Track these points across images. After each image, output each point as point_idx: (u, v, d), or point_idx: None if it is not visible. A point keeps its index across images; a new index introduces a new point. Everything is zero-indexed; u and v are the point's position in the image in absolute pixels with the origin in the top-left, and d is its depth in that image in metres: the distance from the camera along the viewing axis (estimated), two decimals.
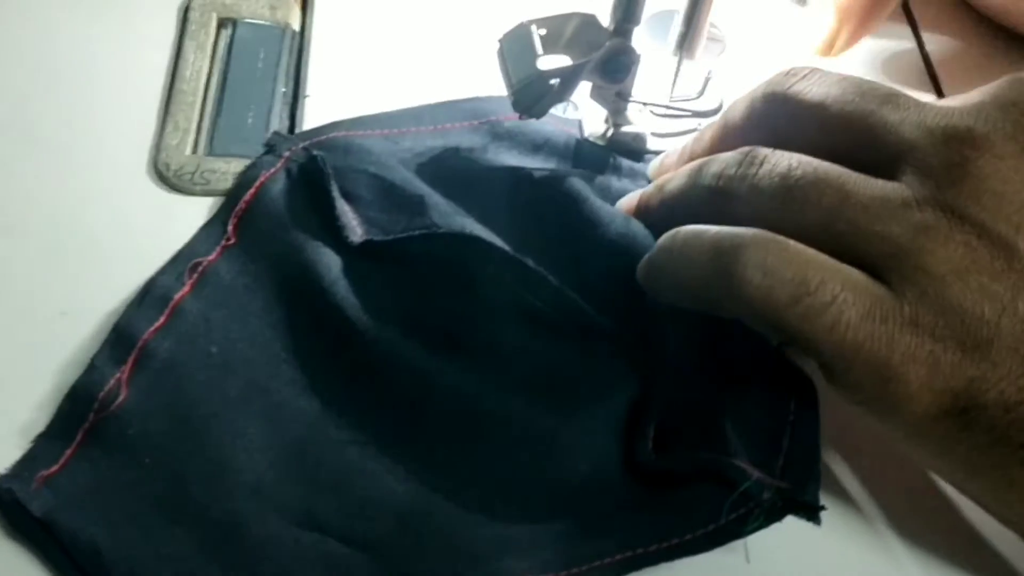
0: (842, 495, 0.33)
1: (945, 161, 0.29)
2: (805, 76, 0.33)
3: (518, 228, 0.36)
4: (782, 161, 0.31)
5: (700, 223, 0.32)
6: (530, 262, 0.34)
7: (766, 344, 0.33)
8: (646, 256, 0.33)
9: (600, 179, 0.39)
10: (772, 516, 0.28)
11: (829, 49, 0.43)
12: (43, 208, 0.37)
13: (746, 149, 0.32)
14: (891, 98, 0.31)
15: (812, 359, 0.30)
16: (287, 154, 0.38)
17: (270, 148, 0.38)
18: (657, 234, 0.34)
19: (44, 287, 0.35)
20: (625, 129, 0.40)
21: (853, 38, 0.42)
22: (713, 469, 0.29)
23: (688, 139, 0.38)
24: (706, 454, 0.30)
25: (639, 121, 0.41)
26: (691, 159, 0.36)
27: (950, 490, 0.33)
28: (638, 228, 0.35)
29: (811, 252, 0.29)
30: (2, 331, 0.34)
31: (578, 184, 0.36)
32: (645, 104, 0.41)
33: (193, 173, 0.38)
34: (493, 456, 0.32)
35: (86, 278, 0.35)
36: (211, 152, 0.40)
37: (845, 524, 0.32)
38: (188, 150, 0.39)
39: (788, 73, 0.33)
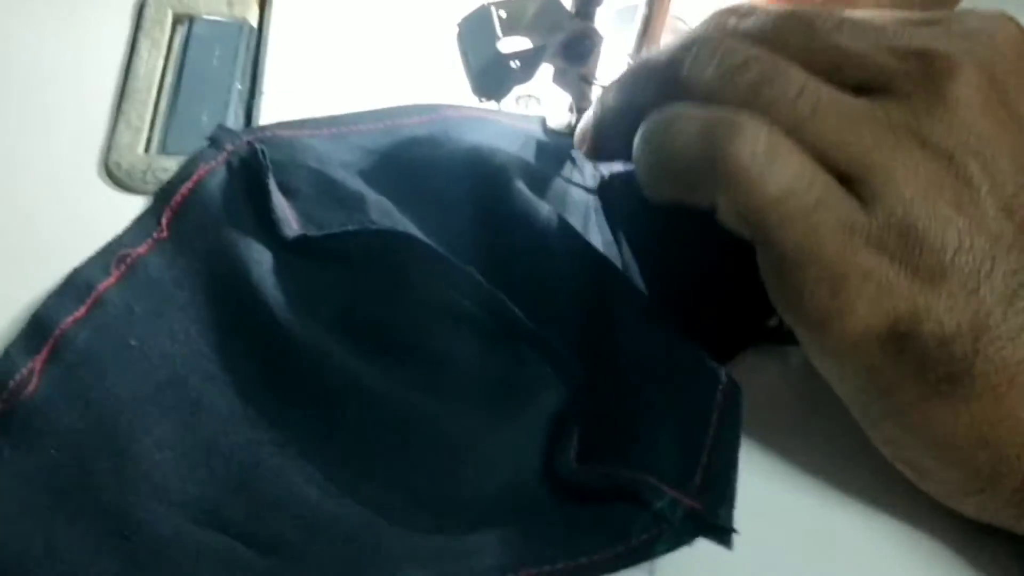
0: (757, 517, 0.30)
1: (921, 87, 0.28)
2: (746, 14, 0.31)
3: (459, 228, 0.35)
4: (751, 51, 0.29)
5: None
6: (464, 265, 0.33)
7: (697, 354, 0.31)
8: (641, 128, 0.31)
9: (557, 179, 0.37)
10: (683, 538, 0.27)
11: None
12: None
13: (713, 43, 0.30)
14: (846, 23, 0.30)
15: (761, 256, 0.29)
16: (229, 148, 0.37)
17: (213, 141, 0.37)
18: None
19: None
20: None
21: None
22: (629, 486, 0.28)
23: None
24: (624, 470, 0.29)
25: None
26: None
27: (859, 517, 0.32)
28: (573, 233, 0.34)
29: (802, 148, 0.28)
30: None
31: (518, 183, 0.35)
32: None
33: (145, 172, 0.37)
34: (409, 462, 0.31)
35: (33, 279, 0.34)
36: (164, 151, 0.38)
37: (756, 545, 0.30)
38: (140, 149, 0.38)
39: (727, 11, 0.31)
